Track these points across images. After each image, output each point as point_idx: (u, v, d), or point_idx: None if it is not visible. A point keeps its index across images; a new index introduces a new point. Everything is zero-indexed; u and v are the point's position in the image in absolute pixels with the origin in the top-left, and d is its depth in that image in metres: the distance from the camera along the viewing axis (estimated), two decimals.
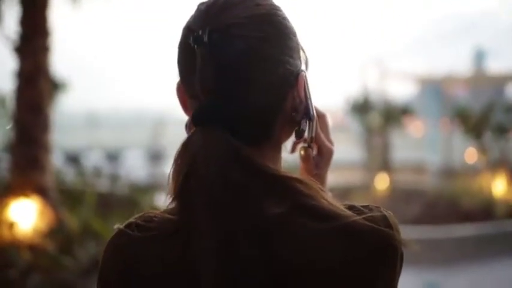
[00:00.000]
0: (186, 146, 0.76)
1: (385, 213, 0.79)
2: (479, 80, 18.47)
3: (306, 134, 0.85)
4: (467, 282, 6.32)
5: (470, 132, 10.69)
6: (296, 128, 0.84)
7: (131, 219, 0.79)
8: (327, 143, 0.94)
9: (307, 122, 0.83)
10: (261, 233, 0.72)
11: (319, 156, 0.94)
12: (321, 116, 0.95)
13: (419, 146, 17.28)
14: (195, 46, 0.76)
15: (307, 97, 0.83)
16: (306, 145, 0.91)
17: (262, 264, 0.71)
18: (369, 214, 0.77)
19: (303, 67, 0.85)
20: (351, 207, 0.78)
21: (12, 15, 5.69)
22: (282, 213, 0.75)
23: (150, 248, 0.76)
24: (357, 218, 0.76)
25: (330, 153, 0.95)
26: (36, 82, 5.42)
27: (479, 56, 23.23)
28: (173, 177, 0.76)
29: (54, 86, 8.82)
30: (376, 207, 0.80)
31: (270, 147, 0.82)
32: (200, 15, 0.80)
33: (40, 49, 5.46)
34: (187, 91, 0.81)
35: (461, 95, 18.08)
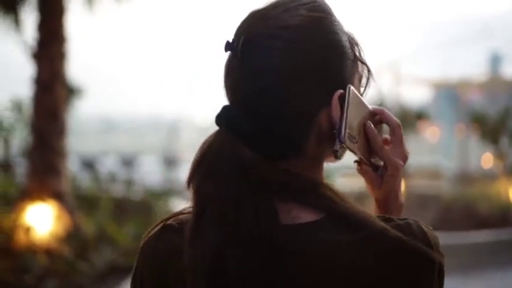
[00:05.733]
0: (201, 145, 0.76)
1: (424, 227, 0.75)
2: (495, 84, 18.32)
3: (338, 155, 0.78)
4: None
5: (486, 137, 10.60)
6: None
7: (169, 221, 0.80)
8: (392, 157, 0.85)
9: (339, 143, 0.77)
10: (263, 245, 0.70)
11: (384, 170, 0.87)
12: (393, 128, 0.87)
13: (435, 151, 17.16)
14: (228, 52, 0.77)
15: (342, 117, 0.76)
16: (357, 160, 0.86)
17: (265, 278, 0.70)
18: (403, 224, 0.74)
19: (354, 83, 0.79)
20: (387, 220, 0.75)
21: (30, 22, 5.77)
22: (298, 224, 0.73)
23: (176, 246, 0.75)
24: (389, 228, 0.72)
25: (395, 167, 0.86)
26: (52, 88, 5.48)
27: (495, 61, 23.03)
28: (190, 172, 0.76)
29: (70, 92, 8.91)
30: (414, 220, 0.76)
31: (304, 163, 0.77)
32: (243, 22, 0.78)
33: (57, 55, 5.53)
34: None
35: (477, 99, 17.94)
